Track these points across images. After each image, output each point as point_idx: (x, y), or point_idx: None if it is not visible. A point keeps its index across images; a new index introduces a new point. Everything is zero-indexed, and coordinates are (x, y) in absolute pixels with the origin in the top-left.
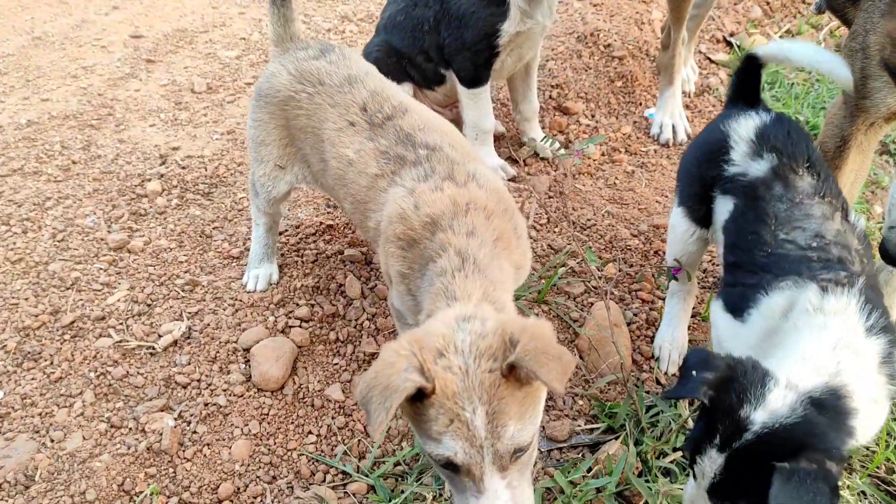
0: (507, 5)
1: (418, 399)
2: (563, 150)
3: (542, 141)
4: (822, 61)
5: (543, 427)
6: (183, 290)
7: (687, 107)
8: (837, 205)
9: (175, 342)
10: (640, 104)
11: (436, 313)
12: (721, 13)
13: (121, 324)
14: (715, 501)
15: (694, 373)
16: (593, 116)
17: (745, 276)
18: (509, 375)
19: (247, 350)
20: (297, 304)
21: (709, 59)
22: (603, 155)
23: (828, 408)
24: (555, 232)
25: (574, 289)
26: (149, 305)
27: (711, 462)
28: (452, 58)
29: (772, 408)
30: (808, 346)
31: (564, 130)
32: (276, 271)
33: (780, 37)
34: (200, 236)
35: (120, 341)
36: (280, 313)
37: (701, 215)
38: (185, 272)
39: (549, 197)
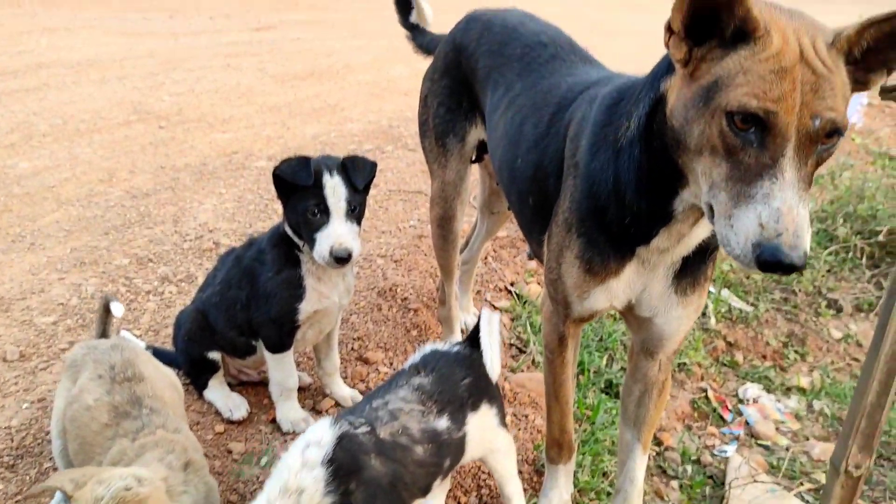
0: (303, 288)
1: None
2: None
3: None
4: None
5: None
6: None
7: None
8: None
9: None
10: None
11: None
12: (503, 266)
13: None
14: None
15: None
16: (391, 364)
17: None
18: None
19: None
20: None
21: (493, 305)
22: None
23: None
24: None
25: None
26: None
27: None
28: (259, 328)
29: None
30: (267, 491)
31: (365, 379)
32: None
33: None
34: None
35: None
36: None
37: None
38: None
39: None
